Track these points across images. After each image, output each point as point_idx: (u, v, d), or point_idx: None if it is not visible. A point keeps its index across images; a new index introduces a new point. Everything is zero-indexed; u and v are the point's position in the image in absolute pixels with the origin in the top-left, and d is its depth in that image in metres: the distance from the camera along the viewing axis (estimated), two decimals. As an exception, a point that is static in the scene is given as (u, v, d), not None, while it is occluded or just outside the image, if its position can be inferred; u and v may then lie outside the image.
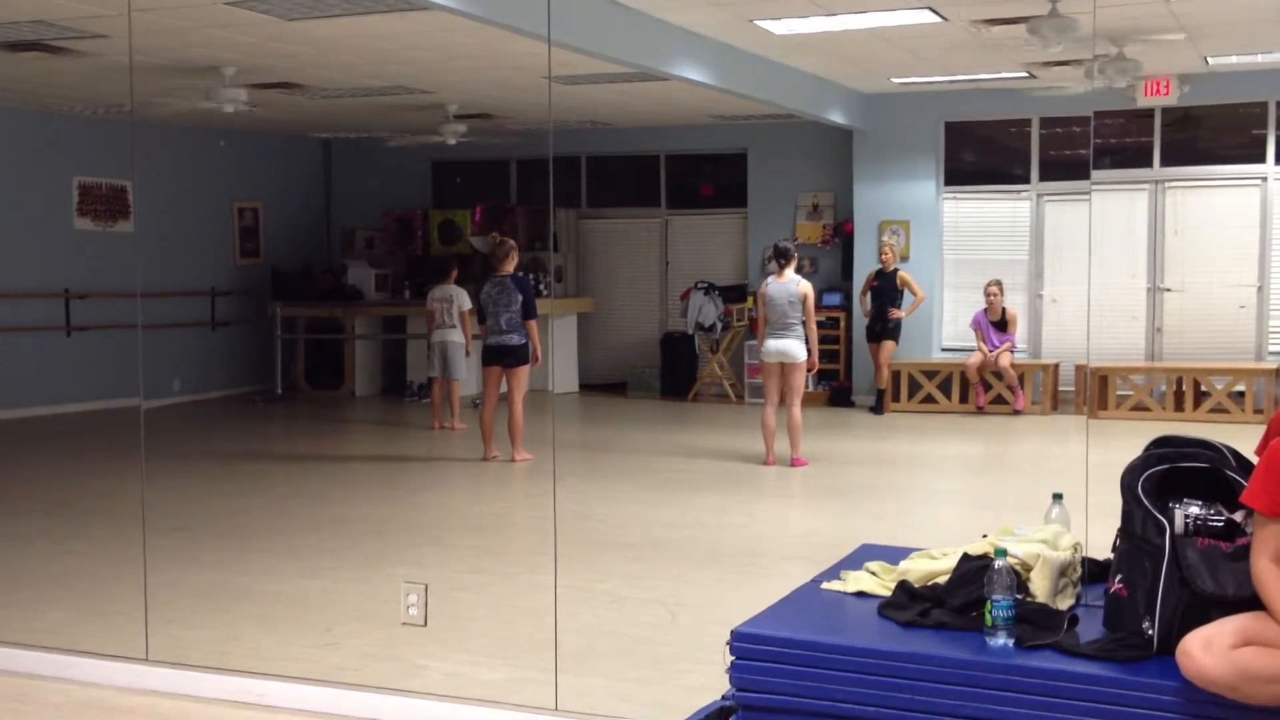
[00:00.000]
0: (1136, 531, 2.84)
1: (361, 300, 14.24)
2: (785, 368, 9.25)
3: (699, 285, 13.64)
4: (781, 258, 9.37)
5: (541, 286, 13.79)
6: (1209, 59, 10.86)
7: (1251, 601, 2.67)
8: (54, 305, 12.56)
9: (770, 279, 9.39)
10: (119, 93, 10.77)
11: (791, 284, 9.24)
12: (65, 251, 12.66)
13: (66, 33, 8.64)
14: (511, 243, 9.72)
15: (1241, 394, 11.39)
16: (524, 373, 9.47)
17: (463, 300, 11.04)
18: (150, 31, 8.46)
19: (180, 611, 5.42)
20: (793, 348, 9.20)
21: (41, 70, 10.01)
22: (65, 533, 7.34)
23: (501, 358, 9.43)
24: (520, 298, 9.38)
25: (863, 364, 13.04)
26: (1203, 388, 11.54)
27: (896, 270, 12.52)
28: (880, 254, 12.57)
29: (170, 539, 6.67)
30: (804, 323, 9.22)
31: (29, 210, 12.42)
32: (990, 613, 2.81)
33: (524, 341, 9.42)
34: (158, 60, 9.52)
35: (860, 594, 3.19)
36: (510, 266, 9.53)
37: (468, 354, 11.08)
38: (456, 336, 11.06)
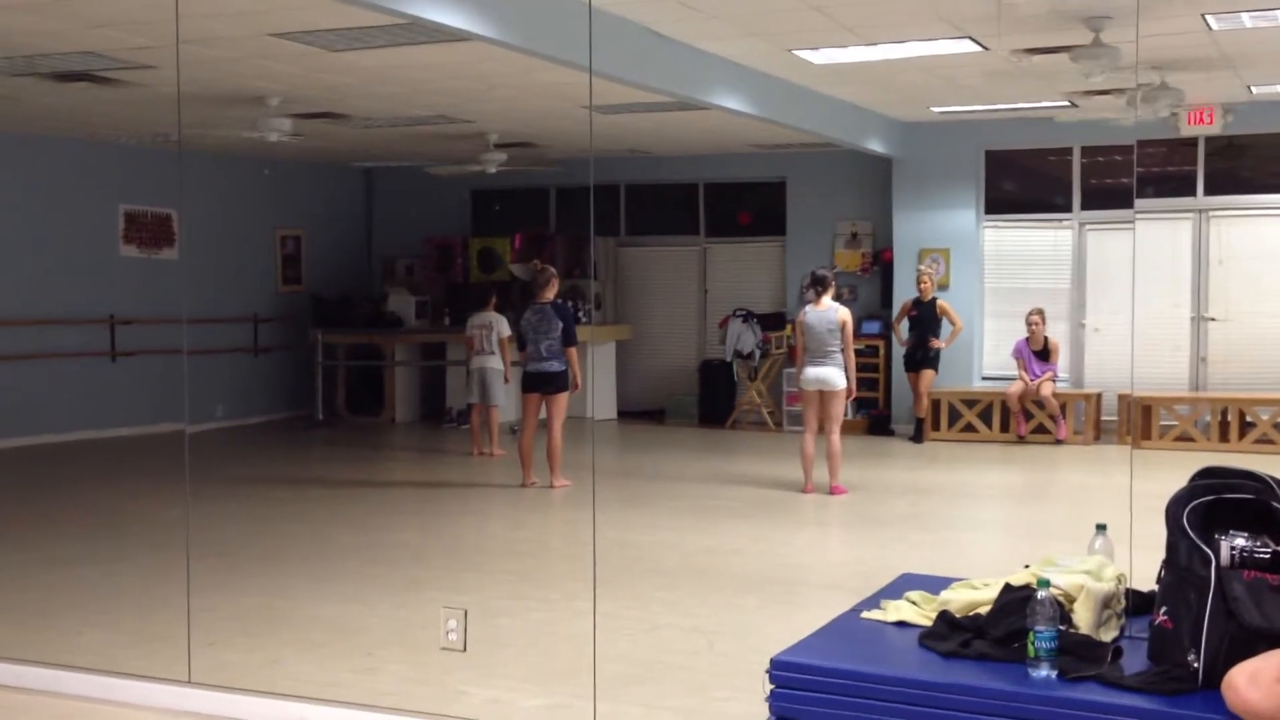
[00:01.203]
0: (1181, 563, 2.81)
1: (401, 327, 14.33)
2: (824, 396, 9.23)
3: (737, 313, 13.64)
4: (819, 286, 9.37)
5: (580, 314, 13.83)
6: (1253, 88, 10.79)
7: (1298, 635, 2.64)
8: (99, 331, 12.73)
9: (808, 307, 9.39)
10: (165, 122, 10.93)
11: (830, 312, 9.23)
12: (111, 278, 12.84)
13: (115, 64, 8.78)
14: (552, 270, 9.77)
15: (1287, 425, 11.25)
16: (563, 400, 9.50)
17: (501, 327, 11.09)
18: (197, 62, 8.59)
19: (222, 635, 5.46)
20: (832, 376, 9.18)
21: (90, 100, 10.17)
22: (109, 556, 7.41)
23: (541, 385, 9.46)
24: (560, 325, 9.41)
25: (902, 392, 12.99)
26: (1248, 418, 11.41)
27: (935, 299, 12.47)
28: (918, 283, 12.53)
29: (212, 563, 6.73)
30: (843, 350, 9.21)
31: (76, 237, 12.61)
32: (1033, 644, 2.79)
33: (563, 369, 9.45)
34: (204, 90, 9.66)
35: (901, 623, 3.16)
36: (550, 294, 9.57)
37: (506, 381, 11.11)
38: (495, 363, 11.10)
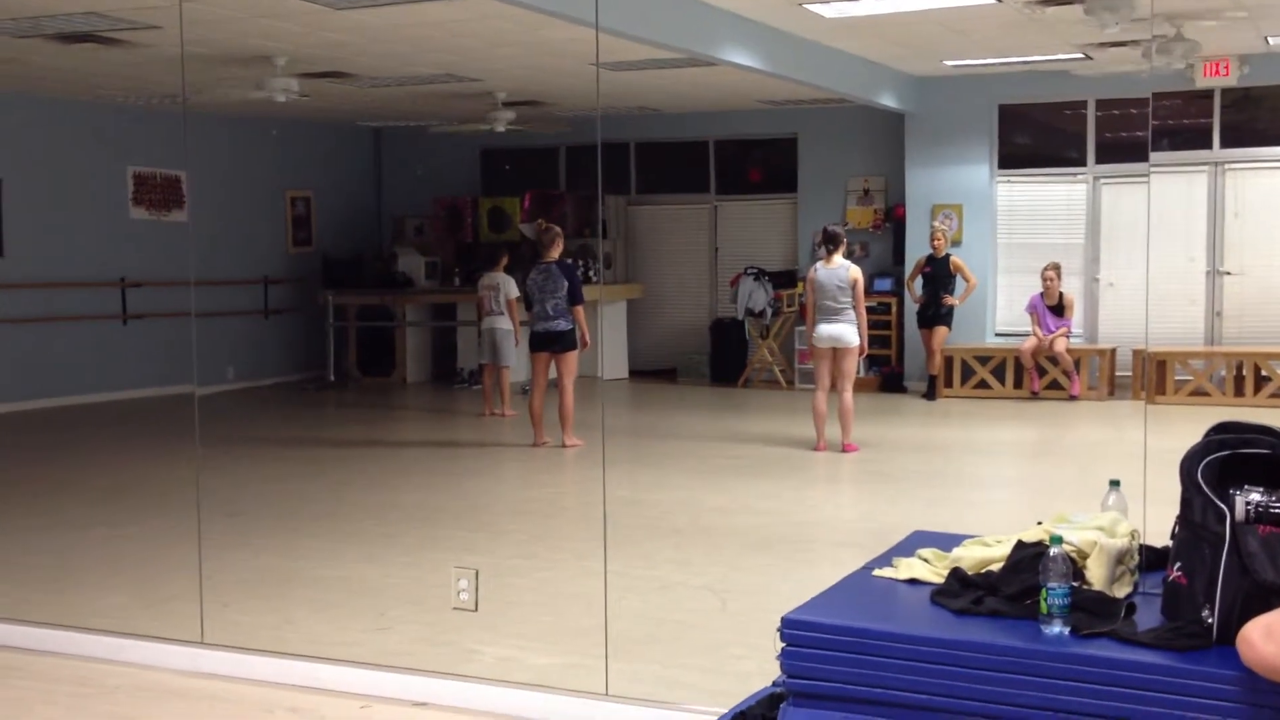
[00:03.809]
0: (1196, 519, 2.79)
1: (412, 288, 14.31)
2: (836, 353, 9.20)
3: (749, 271, 13.59)
4: (830, 243, 9.32)
5: (591, 273, 13.79)
6: (1269, 39, 10.65)
7: (1314, 590, 2.61)
8: (110, 294, 12.73)
9: (819, 264, 9.35)
10: (171, 83, 10.88)
11: (841, 269, 9.19)
12: (120, 241, 12.83)
13: (119, 24, 8.73)
14: (557, 229, 9.70)
15: (1303, 379, 11.19)
16: (572, 358, 9.47)
17: (509, 288, 11.03)
18: (201, 22, 8.53)
19: (235, 596, 5.48)
20: (844, 333, 9.15)
21: (95, 61, 10.12)
22: (121, 518, 7.44)
23: (548, 344, 9.44)
24: (566, 284, 9.37)
25: (914, 349, 12.93)
26: (1263, 373, 11.35)
27: (949, 255, 12.40)
28: (932, 239, 12.46)
29: (224, 524, 6.74)
30: (854, 308, 9.17)
31: (85, 200, 12.59)
32: (1045, 600, 2.76)
33: (570, 327, 9.42)
34: (209, 50, 9.60)
35: (912, 581, 3.14)
36: (556, 253, 9.52)
37: (516, 342, 11.10)
38: (504, 324, 11.06)
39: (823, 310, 9.22)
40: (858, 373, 9.70)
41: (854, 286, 9.16)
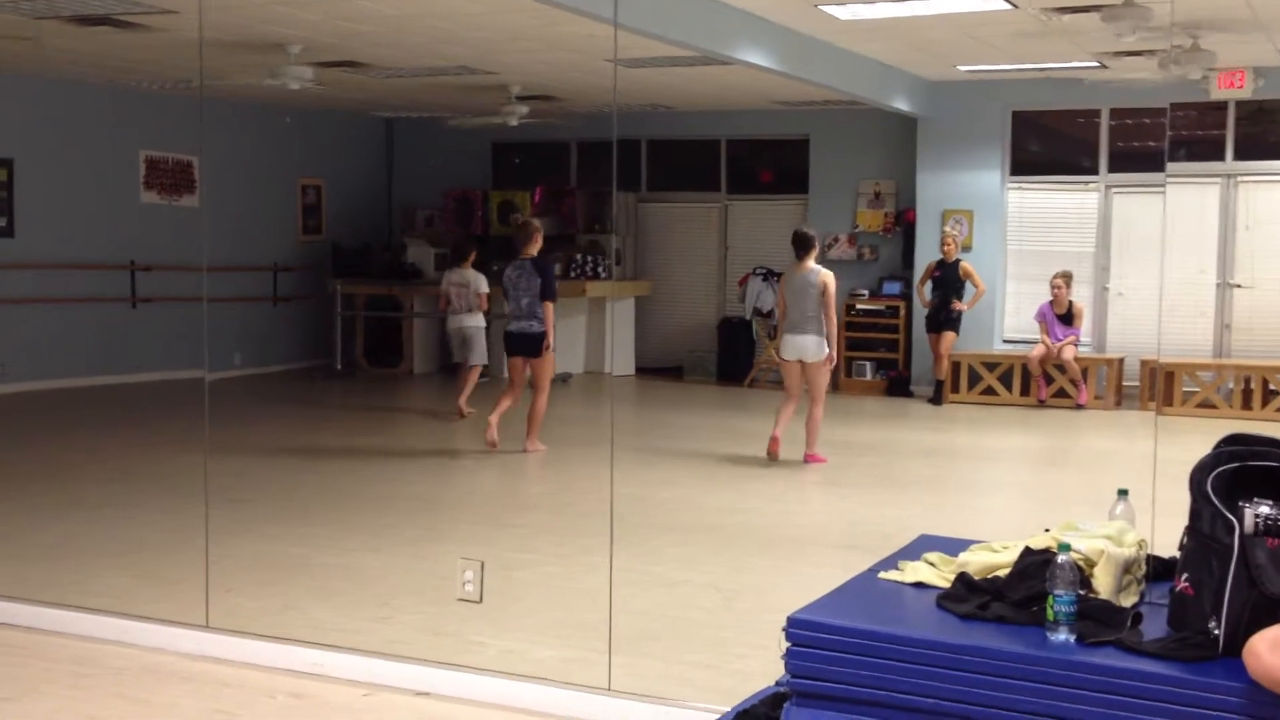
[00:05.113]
0: (1204, 530, 2.79)
1: (420, 279, 14.32)
2: (804, 366, 8.75)
3: (757, 271, 13.59)
4: (801, 246, 8.82)
5: (600, 269, 13.80)
6: (1285, 51, 10.64)
7: (1321, 604, 2.61)
8: (120, 277, 12.75)
9: (789, 269, 8.97)
10: (187, 68, 10.89)
11: (812, 273, 8.73)
12: (131, 224, 12.84)
13: (136, 8, 8.74)
14: (535, 224, 9.42)
15: (1310, 393, 11.19)
16: (548, 361, 9.18)
17: (480, 284, 10.86)
18: (218, 8, 8.52)
19: (240, 580, 5.49)
20: (809, 344, 8.68)
21: (111, 45, 10.13)
22: (128, 501, 7.46)
23: (522, 348, 9.15)
24: (540, 281, 9.11)
25: (922, 353, 12.93)
26: (1271, 386, 11.34)
27: (959, 261, 12.40)
28: (942, 244, 12.46)
29: (230, 510, 6.76)
30: (824, 316, 8.67)
31: (97, 183, 12.61)
32: (1052, 608, 2.77)
33: (545, 329, 9.12)
34: (225, 36, 9.60)
35: (918, 585, 3.15)
36: (534, 249, 9.22)
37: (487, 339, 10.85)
38: (475, 320, 10.80)
39: (790, 319, 8.77)
40: (869, 385, 9.62)
41: (824, 293, 8.65)
